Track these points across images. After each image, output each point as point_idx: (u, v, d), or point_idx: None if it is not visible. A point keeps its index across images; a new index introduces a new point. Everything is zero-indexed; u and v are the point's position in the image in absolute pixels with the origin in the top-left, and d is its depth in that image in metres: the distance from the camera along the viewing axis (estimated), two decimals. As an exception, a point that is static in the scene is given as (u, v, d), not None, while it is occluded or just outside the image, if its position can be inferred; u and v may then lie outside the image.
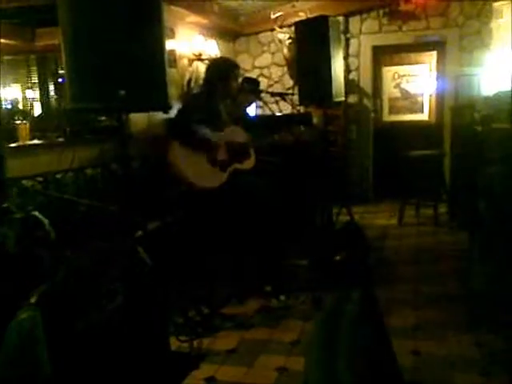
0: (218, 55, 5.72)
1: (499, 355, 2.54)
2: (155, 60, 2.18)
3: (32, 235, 2.09)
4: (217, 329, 3.02)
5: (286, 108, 4.68)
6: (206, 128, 3.43)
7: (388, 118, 6.74)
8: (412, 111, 6.63)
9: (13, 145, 3.56)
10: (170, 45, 4.86)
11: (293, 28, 5.64)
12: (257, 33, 6.80)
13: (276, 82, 6.84)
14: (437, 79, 6.42)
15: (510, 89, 4.43)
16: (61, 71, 4.86)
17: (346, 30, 6.41)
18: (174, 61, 5.09)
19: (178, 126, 3.41)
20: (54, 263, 1.97)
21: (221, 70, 3.68)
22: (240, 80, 3.96)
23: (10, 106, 5.74)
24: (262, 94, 4.26)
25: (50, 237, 2.08)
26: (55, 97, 5.46)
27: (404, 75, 6.60)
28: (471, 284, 3.52)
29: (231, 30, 6.51)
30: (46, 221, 2.13)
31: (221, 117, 3.65)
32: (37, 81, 6.33)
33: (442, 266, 4.02)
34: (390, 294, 3.40)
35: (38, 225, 2.11)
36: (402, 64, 6.60)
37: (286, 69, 6.66)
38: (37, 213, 2.14)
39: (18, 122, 3.93)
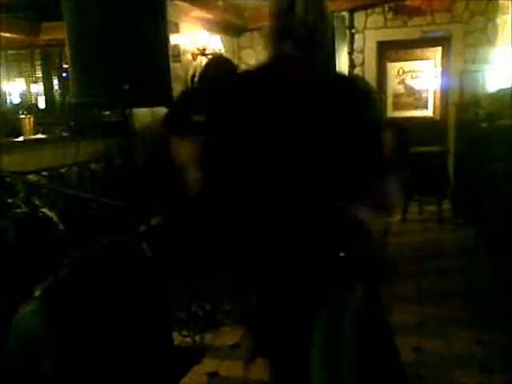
0: (222, 50, 5.70)
1: (501, 353, 2.54)
2: (159, 55, 2.18)
3: (38, 230, 2.10)
4: (219, 324, 3.02)
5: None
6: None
7: (392, 114, 6.71)
8: (416, 107, 6.60)
9: (17, 139, 3.57)
10: (173, 39, 4.85)
11: (297, 23, 5.65)
12: (261, 28, 6.78)
13: (280, 78, 6.81)
14: (442, 75, 6.38)
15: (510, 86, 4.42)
16: (65, 65, 4.86)
17: (351, 25, 6.37)
18: (177, 56, 5.08)
19: (173, 118, 3.39)
20: (59, 258, 1.97)
21: (212, 74, 3.67)
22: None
23: (19, 100, 5.74)
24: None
25: (57, 231, 2.09)
26: (59, 91, 5.46)
27: (409, 71, 6.57)
28: (474, 281, 3.52)
29: (235, 24, 6.49)
30: (54, 216, 2.14)
31: None
32: (41, 75, 6.34)
33: (445, 263, 4.01)
34: (392, 290, 3.40)
35: (46, 220, 2.12)
36: (406, 60, 6.56)
37: (290, 64, 6.62)
38: (45, 209, 2.14)
39: (22, 116, 3.93)
